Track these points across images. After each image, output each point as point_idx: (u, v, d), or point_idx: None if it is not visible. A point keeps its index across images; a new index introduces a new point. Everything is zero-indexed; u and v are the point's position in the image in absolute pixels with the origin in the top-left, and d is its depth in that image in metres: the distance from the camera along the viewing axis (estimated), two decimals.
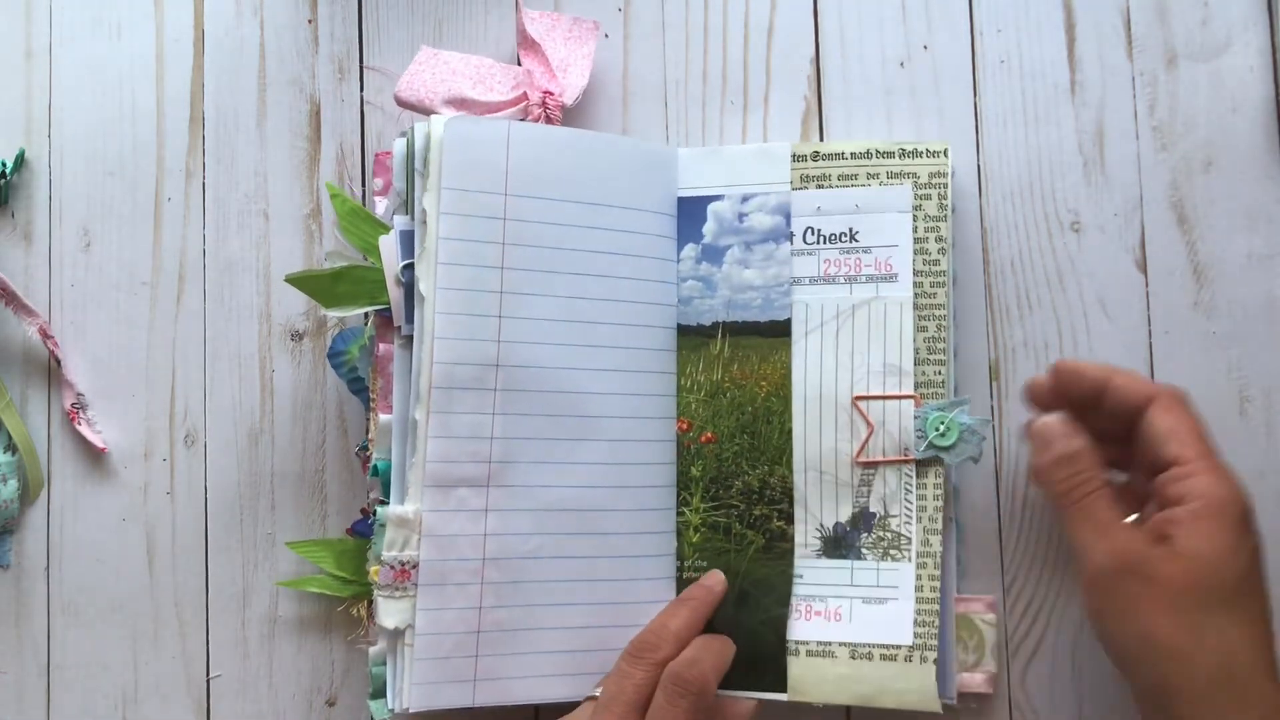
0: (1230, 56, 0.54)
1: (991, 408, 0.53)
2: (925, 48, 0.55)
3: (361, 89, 0.56)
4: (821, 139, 0.55)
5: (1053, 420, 0.47)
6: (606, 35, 0.56)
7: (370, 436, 0.51)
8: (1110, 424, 0.47)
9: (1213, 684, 0.41)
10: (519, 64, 0.55)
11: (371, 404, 0.51)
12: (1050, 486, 0.46)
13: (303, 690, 0.53)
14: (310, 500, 0.54)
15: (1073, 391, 0.48)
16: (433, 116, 0.50)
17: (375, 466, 0.50)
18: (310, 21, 0.56)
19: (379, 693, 0.49)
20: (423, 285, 0.49)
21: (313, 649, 0.53)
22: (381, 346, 0.51)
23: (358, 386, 0.52)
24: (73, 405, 0.54)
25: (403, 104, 0.52)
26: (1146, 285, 0.54)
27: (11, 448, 0.54)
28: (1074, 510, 0.45)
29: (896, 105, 0.55)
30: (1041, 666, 0.52)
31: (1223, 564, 0.42)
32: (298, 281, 0.51)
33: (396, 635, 0.48)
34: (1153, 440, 0.45)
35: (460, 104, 0.52)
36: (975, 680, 0.51)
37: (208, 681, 0.54)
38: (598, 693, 0.47)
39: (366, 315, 0.53)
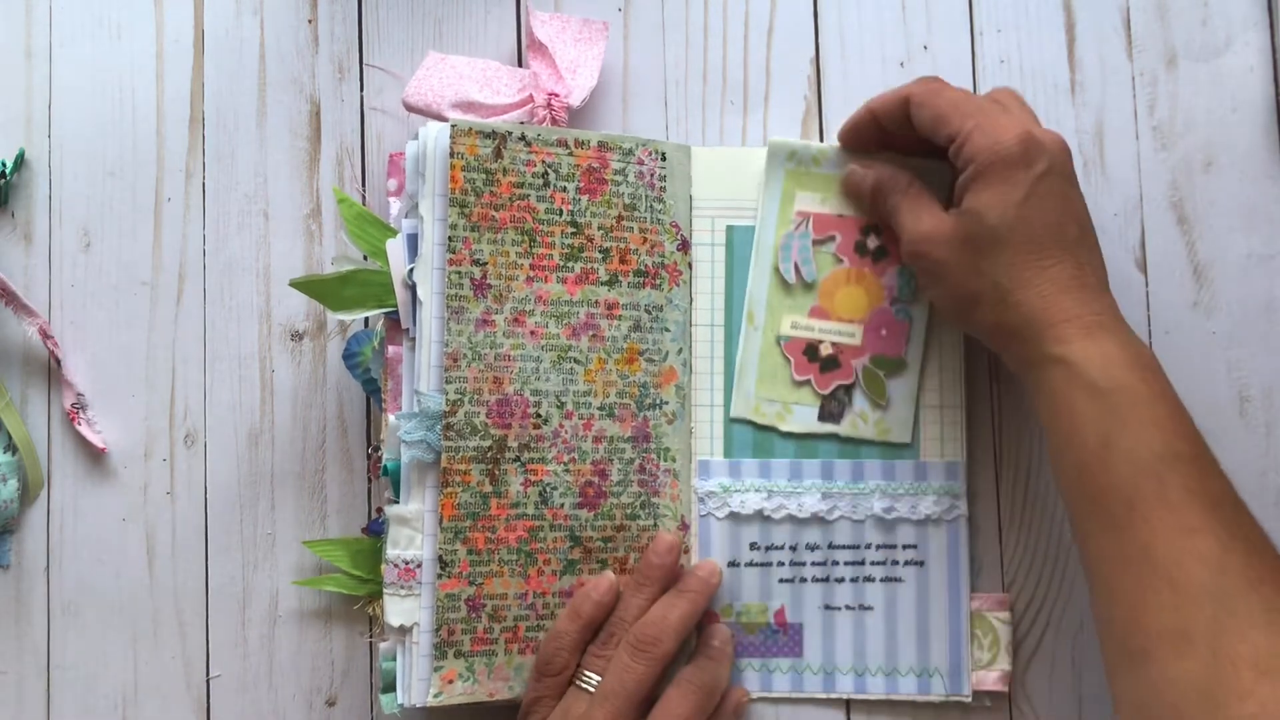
0: (1230, 56, 0.54)
1: (991, 408, 0.53)
2: (925, 48, 0.55)
3: (361, 89, 0.56)
4: (821, 139, 0.55)
5: (850, 170, 0.51)
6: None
7: (382, 437, 0.51)
8: (901, 141, 0.50)
9: (1009, 319, 0.45)
10: (519, 64, 0.55)
11: (383, 405, 0.51)
12: (877, 212, 0.51)
13: (303, 690, 0.53)
14: (310, 500, 0.54)
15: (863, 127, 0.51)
16: (430, 123, 0.50)
17: (385, 467, 0.50)
18: (310, 21, 0.56)
19: (389, 687, 0.50)
20: (421, 289, 0.49)
21: (313, 649, 0.53)
22: (391, 349, 0.51)
23: (372, 388, 0.52)
24: (73, 405, 0.54)
25: (411, 108, 0.52)
26: (1146, 285, 0.54)
27: (11, 448, 0.54)
28: (894, 218, 0.49)
29: None
30: (1041, 666, 0.52)
31: (989, 210, 0.45)
32: (304, 286, 0.51)
33: (404, 632, 0.49)
34: (929, 132, 0.47)
35: (467, 107, 0.52)
36: (990, 678, 0.51)
37: (208, 681, 0.53)
38: (587, 683, 0.47)
39: (366, 320, 0.53)
